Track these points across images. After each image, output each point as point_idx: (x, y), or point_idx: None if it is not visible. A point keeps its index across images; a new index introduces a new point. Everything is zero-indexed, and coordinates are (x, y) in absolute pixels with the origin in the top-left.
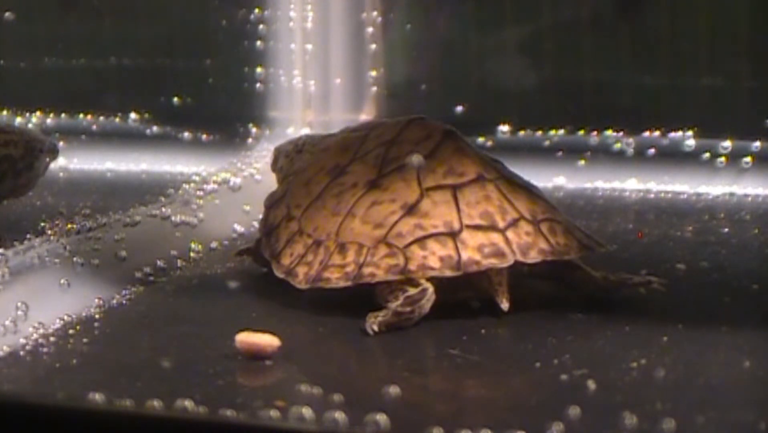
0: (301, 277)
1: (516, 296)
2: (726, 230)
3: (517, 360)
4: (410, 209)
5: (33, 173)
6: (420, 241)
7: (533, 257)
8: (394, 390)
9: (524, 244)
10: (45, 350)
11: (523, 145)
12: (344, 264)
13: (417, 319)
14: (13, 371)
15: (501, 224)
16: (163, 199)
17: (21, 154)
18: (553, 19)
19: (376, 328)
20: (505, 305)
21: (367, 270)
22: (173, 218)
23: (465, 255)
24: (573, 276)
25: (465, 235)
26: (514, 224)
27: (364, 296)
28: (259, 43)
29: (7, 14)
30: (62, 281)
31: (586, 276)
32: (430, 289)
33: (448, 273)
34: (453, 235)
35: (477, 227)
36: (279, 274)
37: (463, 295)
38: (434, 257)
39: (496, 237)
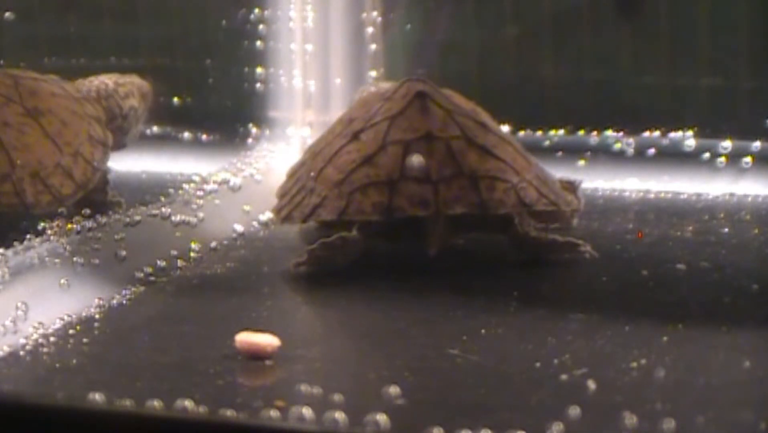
0: (281, 215)
1: (516, 295)
2: (726, 230)
3: (517, 360)
4: (367, 159)
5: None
6: (363, 188)
7: (457, 210)
8: (394, 390)
9: (452, 197)
10: (45, 350)
11: (523, 145)
12: (307, 204)
13: (342, 262)
14: (13, 371)
15: (434, 177)
16: (163, 199)
17: (139, 102)
18: (553, 19)
19: (302, 265)
20: (432, 251)
21: (319, 210)
22: (173, 218)
23: (395, 202)
24: (508, 233)
25: (401, 184)
26: (449, 178)
27: (363, 297)
28: (259, 43)
29: (7, 14)
30: (62, 281)
31: (516, 233)
32: (351, 237)
33: (376, 218)
34: (391, 184)
35: (413, 179)
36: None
37: (404, 240)
38: (368, 201)
39: (427, 189)
